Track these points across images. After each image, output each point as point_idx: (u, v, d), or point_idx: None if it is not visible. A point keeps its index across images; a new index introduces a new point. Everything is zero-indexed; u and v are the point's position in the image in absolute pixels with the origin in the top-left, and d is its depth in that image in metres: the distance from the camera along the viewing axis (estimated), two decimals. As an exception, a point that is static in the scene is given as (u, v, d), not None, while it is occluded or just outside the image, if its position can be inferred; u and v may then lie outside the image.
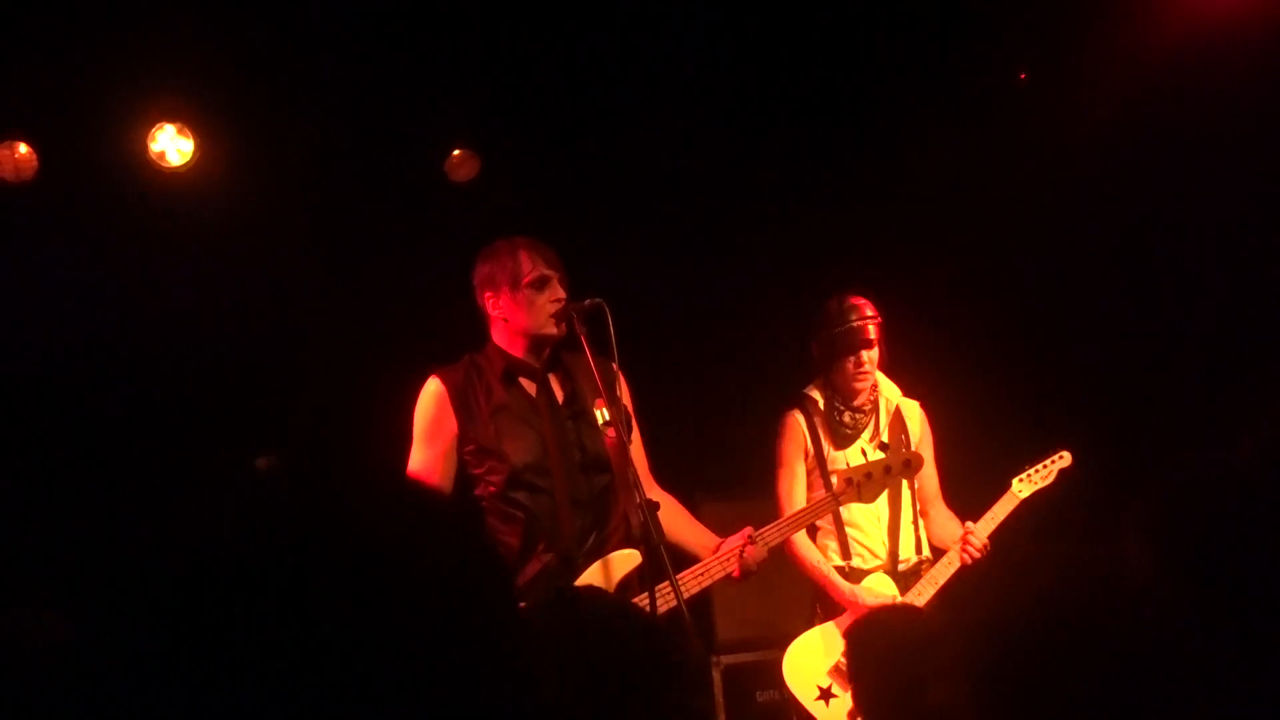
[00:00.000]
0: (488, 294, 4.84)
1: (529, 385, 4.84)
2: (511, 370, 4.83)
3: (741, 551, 4.78)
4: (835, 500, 5.19)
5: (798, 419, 5.86)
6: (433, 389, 4.81)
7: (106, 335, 6.45)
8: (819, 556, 5.74)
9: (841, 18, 6.98)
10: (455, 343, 5.22)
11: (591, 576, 4.67)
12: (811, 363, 5.88)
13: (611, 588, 4.65)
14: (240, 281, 6.57)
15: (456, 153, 6.86)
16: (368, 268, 6.77)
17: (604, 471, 4.79)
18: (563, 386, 4.86)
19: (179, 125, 6.43)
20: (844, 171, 7.27)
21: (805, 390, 5.91)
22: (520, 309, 4.78)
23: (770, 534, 4.91)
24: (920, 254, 7.09)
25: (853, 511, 5.70)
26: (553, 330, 4.77)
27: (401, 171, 6.84)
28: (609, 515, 4.79)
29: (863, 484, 5.12)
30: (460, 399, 4.79)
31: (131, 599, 1.14)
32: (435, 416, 4.79)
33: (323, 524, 1.16)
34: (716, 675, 6.38)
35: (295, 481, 1.21)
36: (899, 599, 5.62)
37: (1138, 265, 7.03)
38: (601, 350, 4.63)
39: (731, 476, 7.01)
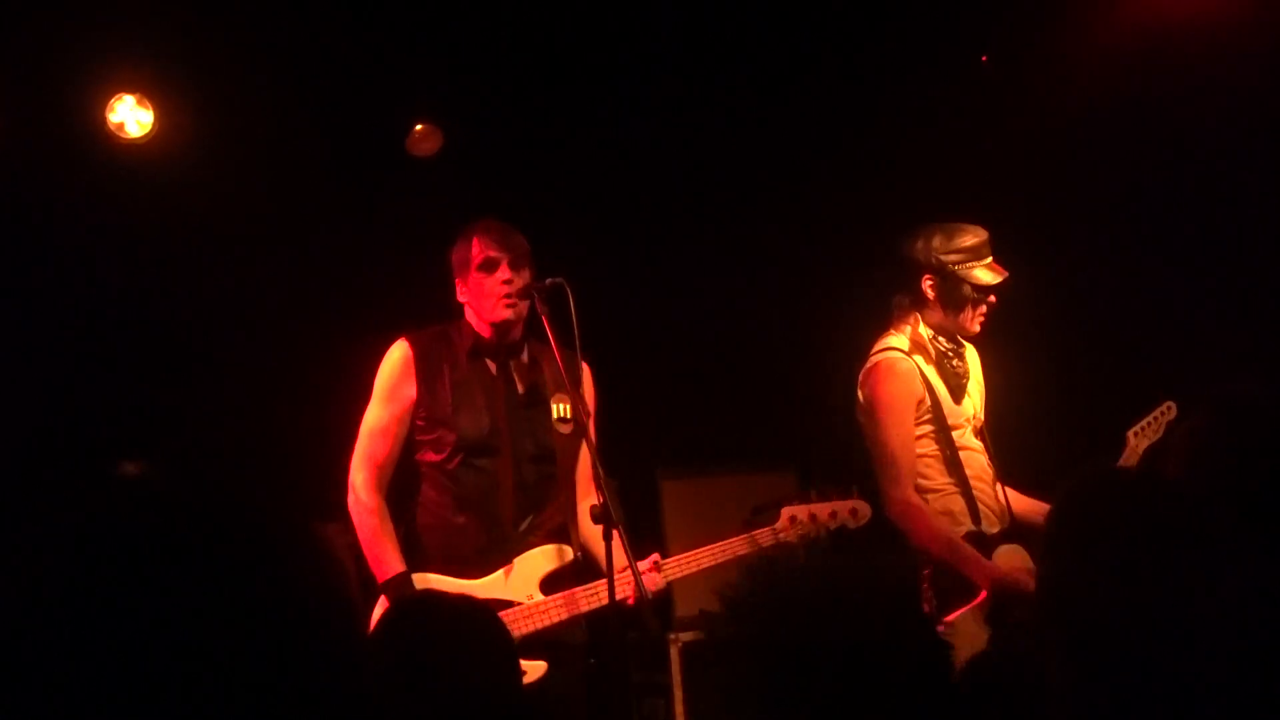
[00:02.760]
0: (457, 280, 4.87)
1: (492, 366, 4.86)
2: (477, 349, 4.85)
3: (637, 576, 4.46)
4: (774, 534, 4.80)
5: (911, 363, 5.19)
6: (399, 352, 4.86)
7: (63, 308, 6.41)
8: (949, 530, 5.09)
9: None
10: (417, 316, 5.23)
11: (523, 565, 4.69)
12: (917, 299, 5.23)
13: (538, 578, 4.70)
14: (200, 254, 6.53)
15: (419, 127, 6.83)
16: (329, 242, 6.74)
17: (549, 462, 4.81)
18: (525, 375, 4.88)
19: (138, 96, 6.38)
20: (817, 148, 7.24)
21: (910, 329, 5.24)
22: (474, 294, 4.81)
23: (673, 568, 4.71)
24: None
25: (976, 468, 5.23)
26: (503, 315, 4.77)
27: (363, 146, 6.80)
28: (546, 505, 4.81)
29: (805, 523, 4.85)
30: (424, 365, 4.83)
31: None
32: (397, 379, 4.83)
33: (176, 532, 1.16)
34: (674, 652, 6.40)
35: (155, 488, 1.21)
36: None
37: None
38: (563, 330, 4.64)
39: (694, 455, 7.02)
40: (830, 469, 6.20)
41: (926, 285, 5.20)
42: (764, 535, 4.82)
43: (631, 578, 4.42)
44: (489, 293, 4.76)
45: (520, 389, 4.86)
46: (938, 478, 5.24)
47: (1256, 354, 6.12)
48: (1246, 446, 2.44)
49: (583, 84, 7.00)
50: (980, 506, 5.22)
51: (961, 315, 5.22)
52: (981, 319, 5.26)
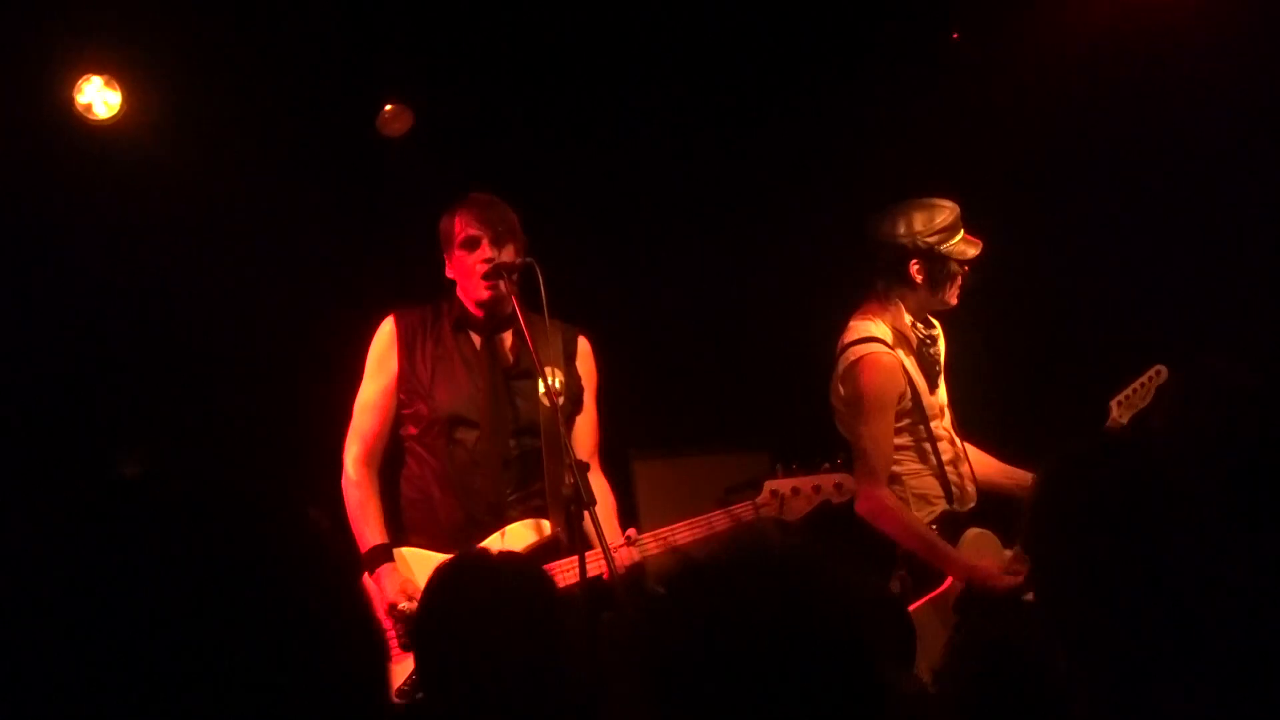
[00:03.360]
0: (445, 255, 4.90)
1: (477, 340, 4.86)
2: (462, 321, 4.88)
3: (608, 550, 4.42)
4: (755, 508, 4.74)
5: (895, 357, 5.12)
6: (385, 328, 4.94)
7: (32, 291, 6.36)
8: (924, 526, 5.07)
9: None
10: (391, 295, 5.24)
11: (501, 539, 4.68)
12: (903, 283, 5.18)
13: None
14: (170, 236, 6.49)
15: (389, 107, 6.78)
16: (300, 223, 6.70)
17: (533, 435, 4.78)
18: (514, 347, 4.86)
19: (106, 77, 6.32)
20: (789, 132, 7.22)
21: (890, 317, 5.18)
22: (458, 272, 4.82)
23: (649, 542, 4.67)
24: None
25: (949, 453, 5.21)
26: (483, 296, 4.77)
27: (333, 126, 6.76)
28: (531, 479, 4.79)
29: (787, 497, 4.79)
30: (407, 339, 4.88)
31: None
32: (381, 354, 4.92)
33: (178, 532, 1.16)
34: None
35: (155, 487, 1.21)
36: (1007, 554, 5.05)
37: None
38: (534, 310, 4.64)
39: (667, 435, 7.00)
40: (803, 450, 6.21)
41: (914, 269, 5.16)
42: (744, 509, 4.79)
43: (598, 560, 4.43)
44: (470, 270, 4.79)
45: (506, 362, 4.86)
46: (912, 463, 5.25)
47: (1235, 323, 6.16)
48: (1228, 424, 2.43)
49: (555, 63, 6.97)
50: (954, 488, 5.24)
51: (946, 292, 5.21)
52: (959, 290, 5.24)
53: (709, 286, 7.27)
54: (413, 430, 4.86)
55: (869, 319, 5.25)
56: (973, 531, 5.16)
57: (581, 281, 5.67)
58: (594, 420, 4.97)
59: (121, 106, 6.33)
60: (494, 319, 4.86)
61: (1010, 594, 4.89)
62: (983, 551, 5.11)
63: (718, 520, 4.74)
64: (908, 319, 5.22)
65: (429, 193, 5.34)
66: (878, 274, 5.26)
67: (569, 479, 4.42)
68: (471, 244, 4.77)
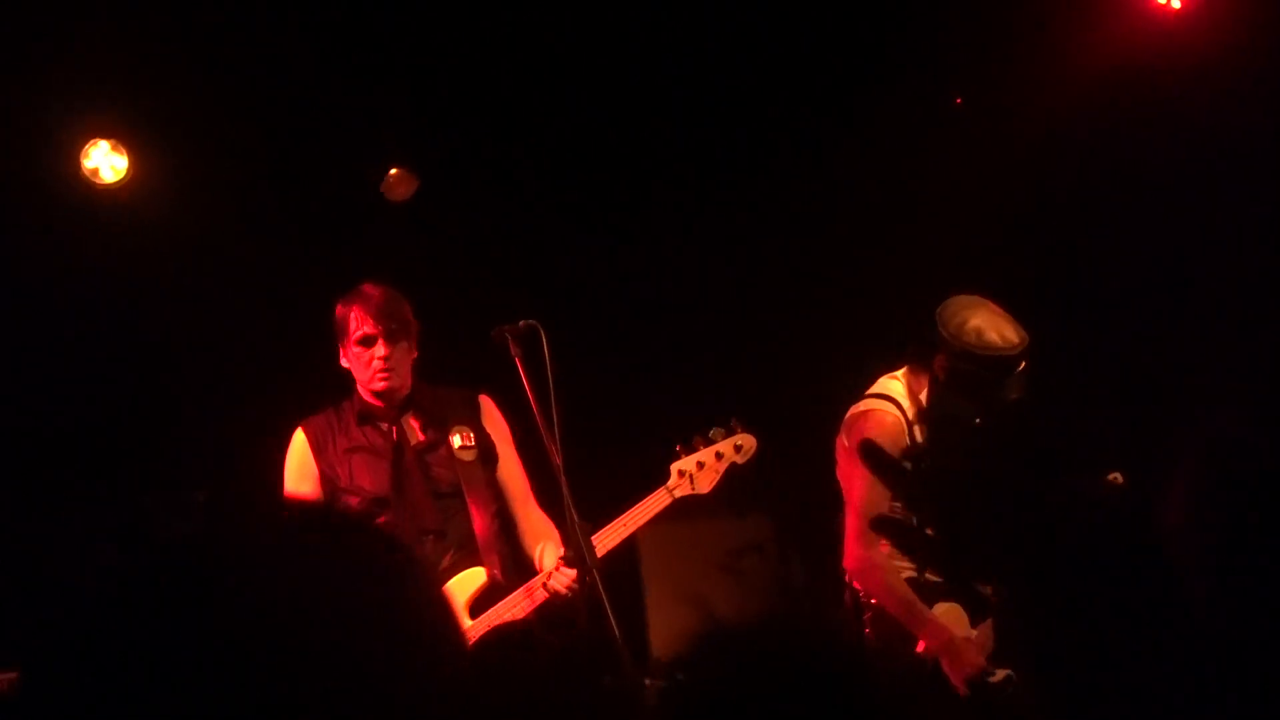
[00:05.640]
0: (340, 345, 4.98)
1: (385, 426, 4.99)
2: (365, 414, 4.98)
3: (548, 575, 4.71)
4: (669, 493, 4.84)
5: (901, 423, 5.03)
6: (297, 440, 5.02)
7: (38, 354, 6.38)
8: (906, 590, 4.91)
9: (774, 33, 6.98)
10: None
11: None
12: (926, 368, 5.03)
13: (463, 606, 4.76)
14: (175, 300, 6.52)
15: (393, 171, 6.82)
16: (304, 287, 6.72)
17: (456, 497, 4.90)
18: (422, 427, 4.99)
19: (113, 142, 6.37)
20: (791, 199, 7.25)
21: (917, 386, 5.07)
22: (353, 365, 4.91)
23: (608, 536, 4.77)
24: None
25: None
26: (379, 388, 4.87)
27: (338, 191, 6.79)
28: (464, 539, 4.88)
29: (695, 473, 4.88)
30: (319, 445, 4.97)
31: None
32: (299, 464, 5.00)
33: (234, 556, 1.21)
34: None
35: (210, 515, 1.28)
36: (973, 634, 4.94)
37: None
38: (536, 371, 4.67)
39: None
40: (805, 513, 6.21)
41: (940, 362, 4.98)
42: (659, 496, 4.90)
43: (539, 588, 4.68)
44: (365, 366, 4.89)
45: (416, 439, 4.97)
46: None
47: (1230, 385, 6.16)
48: (1232, 484, 2.43)
49: (557, 123, 7.01)
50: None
51: (969, 402, 5.00)
52: (978, 418, 5.05)
53: (709, 351, 7.26)
54: None
55: (895, 377, 5.16)
56: (943, 605, 5.00)
57: (580, 344, 5.67)
58: (519, 466, 5.07)
59: (129, 171, 6.38)
60: (393, 406, 4.95)
61: (971, 676, 4.84)
62: (952, 624, 4.98)
63: (640, 513, 4.85)
64: (925, 397, 5.07)
65: (432, 256, 5.36)
66: (914, 341, 5.13)
67: (569, 548, 4.60)
68: (367, 341, 4.85)
